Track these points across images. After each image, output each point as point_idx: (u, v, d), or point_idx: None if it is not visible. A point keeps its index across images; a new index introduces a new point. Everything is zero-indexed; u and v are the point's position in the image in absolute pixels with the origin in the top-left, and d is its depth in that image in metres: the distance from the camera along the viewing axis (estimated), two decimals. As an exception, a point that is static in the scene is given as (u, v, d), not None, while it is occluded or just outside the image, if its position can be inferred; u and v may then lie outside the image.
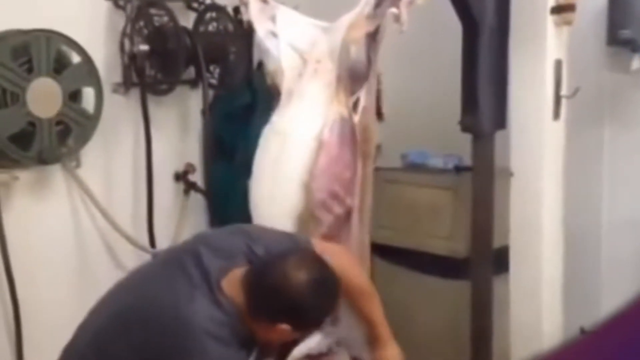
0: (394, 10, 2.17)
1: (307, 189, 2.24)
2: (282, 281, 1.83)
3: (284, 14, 2.44)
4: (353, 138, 2.28)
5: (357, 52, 2.25)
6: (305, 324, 1.92)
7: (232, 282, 1.87)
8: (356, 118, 2.30)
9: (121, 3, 2.73)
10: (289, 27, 2.40)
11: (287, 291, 1.83)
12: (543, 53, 2.40)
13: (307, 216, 2.24)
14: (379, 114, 2.41)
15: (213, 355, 1.79)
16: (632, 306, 0.69)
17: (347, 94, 2.28)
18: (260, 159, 2.33)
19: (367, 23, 2.23)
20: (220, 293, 1.85)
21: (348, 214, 2.29)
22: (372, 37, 2.27)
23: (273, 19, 2.42)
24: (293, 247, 2.00)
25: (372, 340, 2.14)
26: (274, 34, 2.39)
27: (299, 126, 2.28)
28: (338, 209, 2.26)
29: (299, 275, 1.84)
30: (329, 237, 2.27)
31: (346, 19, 2.28)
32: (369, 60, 2.29)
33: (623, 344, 0.66)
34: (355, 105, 2.31)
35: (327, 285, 1.89)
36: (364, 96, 2.30)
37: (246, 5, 2.45)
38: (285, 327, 1.84)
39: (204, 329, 1.79)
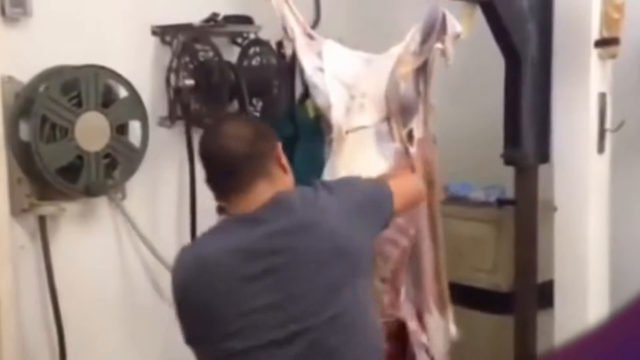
0: (439, 45, 2.19)
1: None
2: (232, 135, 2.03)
3: (330, 48, 2.46)
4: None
5: (406, 87, 2.27)
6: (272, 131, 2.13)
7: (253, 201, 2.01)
8: (412, 150, 2.31)
9: (167, 39, 2.79)
10: (334, 61, 2.43)
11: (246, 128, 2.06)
12: (587, 86, 2.39)
13: (375, 254, 2.16)
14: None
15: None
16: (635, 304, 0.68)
17: (399, 127, 2.29)
18: None
19: (414, 59, 2.24)
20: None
21: (411, 245, 2.29)
22: (421, 71, 2.28)
23: (319, 54, 2.44)
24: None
25: None
26: (321, 69, 2.42)
27: (357, 165, 2.27)
28: (404, 242, 2.27)
29: (223, 126, 2.05)
30: (395, 271, 2.28)
31: (392, 54, 2.30)
32: (419, 93, 2.31)
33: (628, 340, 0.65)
34: (409, 136, 2.32)
35: None
36: (417, 128, 2.32)
37: (293, 41, 2.49)
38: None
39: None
